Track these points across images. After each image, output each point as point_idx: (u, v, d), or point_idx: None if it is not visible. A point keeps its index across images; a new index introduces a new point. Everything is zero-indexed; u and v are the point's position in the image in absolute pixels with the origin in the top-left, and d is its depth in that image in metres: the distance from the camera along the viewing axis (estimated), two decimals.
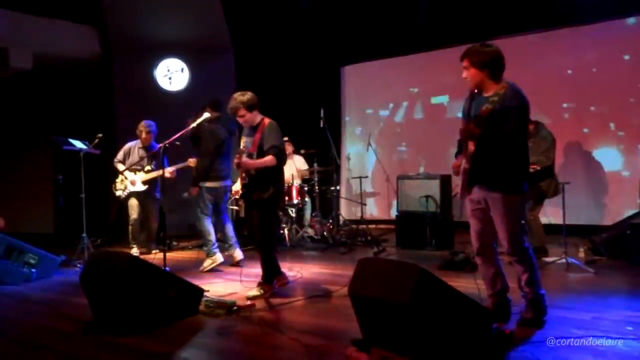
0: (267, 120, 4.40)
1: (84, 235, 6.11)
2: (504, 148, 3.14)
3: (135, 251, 6.55)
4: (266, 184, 4.26)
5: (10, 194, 8.77)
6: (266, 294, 4.32)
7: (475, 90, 3.31)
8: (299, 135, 7.69)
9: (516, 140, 3.16)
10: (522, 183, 3.24)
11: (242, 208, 6.72)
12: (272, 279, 4.43)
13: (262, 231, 4.35)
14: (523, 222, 3.46)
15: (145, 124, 6.62)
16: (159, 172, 6.36)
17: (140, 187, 6.55)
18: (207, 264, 5.54)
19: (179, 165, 6.23)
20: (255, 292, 4.34)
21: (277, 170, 4.33)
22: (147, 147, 6.64)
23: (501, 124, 3.09)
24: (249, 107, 4.33)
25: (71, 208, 6.78)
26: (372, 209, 8.91)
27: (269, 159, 4.20)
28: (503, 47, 3.35)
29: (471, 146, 3.18)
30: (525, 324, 3.30)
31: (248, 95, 4.35)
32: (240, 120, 4.41)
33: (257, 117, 4.41)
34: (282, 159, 4.33)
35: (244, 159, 4.21)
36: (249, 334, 3.43)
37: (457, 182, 7.26)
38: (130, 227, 6.66)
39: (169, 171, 6.18)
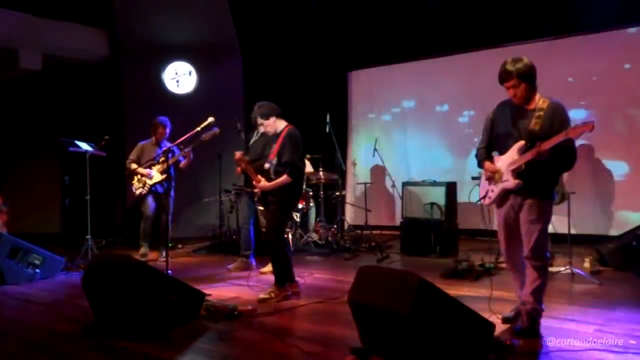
0: (287, 129, 4.51)
1: (88, 236, 6.14)
2: (558, 162, 3.24)
3: (143, 251, 6.47)
4: (279, 189, 4.35)
5: (18, 194, 8.82)
6: (276, 298, 4.34)
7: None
8: (305, 139, 7.64)
9: (569, 155, 3.24)
10: (553, 190, 3.37)
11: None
12: (284, 282, 4.43)
13: (271, 233, 4.38)
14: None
15: (161, 120, 6.56)
16: (174, 159, 6.28)
17: (158, 177, 6.41)
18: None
19: (194, 143, 6.05)
20: (265, 295, 4.37)
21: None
22: (160, 145, 6.60)
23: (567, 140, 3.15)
24: (263, 115, 4.54)
25: (77, 209, 6.82)
26: (377, 215, 8.88)
27: (283, 178, 4.33)
28: (505, 55, 3.38)
29: (523, 165, 3.25)
30: (520, 333, 3.29)
31: (264, 104, 4.59)
32: (261, 128, 4.66)
33: (278, 123, 4.56)
34: (297, 176, 4.40)
35: (262, 183, 4.40)
36: (249, 339, 3.43)
37: (464, 184, 7.23)
38: (142, 225, 6.51)
39: (184, 152, 6.19)
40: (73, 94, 9.68)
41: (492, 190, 3.48)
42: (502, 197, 3.44)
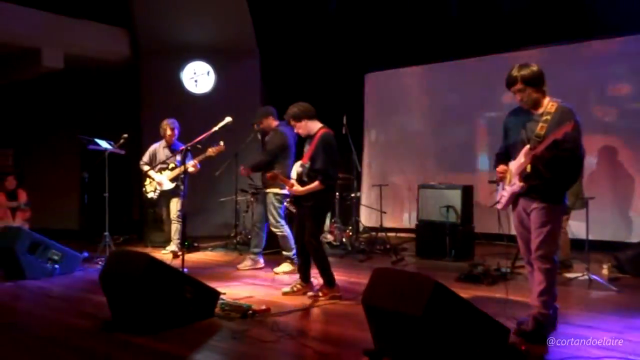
0: (320, 132, 4.47)
1: (106, 233, 6.22)
2: (558, 165, 3.24)
3: (170, 248, 6.74)
4: (311, 194, 4.37)
5: (38, 190, 8.97)
6: (325, 296, 4.45)
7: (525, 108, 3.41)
8: None
9: (569, 158, 3.23)
10: (564, 195, 3.38)
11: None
12: (333, 282, 4.51)
13: (310, 240, 4.43)
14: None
15: (168, 122, 6.71)
16: (182, 168, 6.42)
17: (169, 185, 6.63)
18: (288, 269, 5.56)
19: (200, 157, 6.31)
20: (287, 289, 4.58)
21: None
22: (171, 146, 6.72)
23: (557, 142, 3.16)
24: (294, 117, 4.49)
25: (96, 206, 6.92)
26: (393, 217, 8.85)
27: (315, 185, 4.33)
28: (533, 58, 3.37)
29: (528, 167, 3.28)
30: (523, 335, 3.27)
31: (297, 105, 4.52)
32: (295, 131, 4.61)
33: (310, 125, 4.52)
34: (329, 184, 4.40)
35: (296, 187, 4.41)
36: (262, 338, 3.43)
37: (482, 188, 7.15)
38: (165, 228, 6.98)
39: (191, 164, 6.30)
40: (93, 92, 9.81)
41: (504, 195, 3.54)
42: (513, 201, 3.49)
